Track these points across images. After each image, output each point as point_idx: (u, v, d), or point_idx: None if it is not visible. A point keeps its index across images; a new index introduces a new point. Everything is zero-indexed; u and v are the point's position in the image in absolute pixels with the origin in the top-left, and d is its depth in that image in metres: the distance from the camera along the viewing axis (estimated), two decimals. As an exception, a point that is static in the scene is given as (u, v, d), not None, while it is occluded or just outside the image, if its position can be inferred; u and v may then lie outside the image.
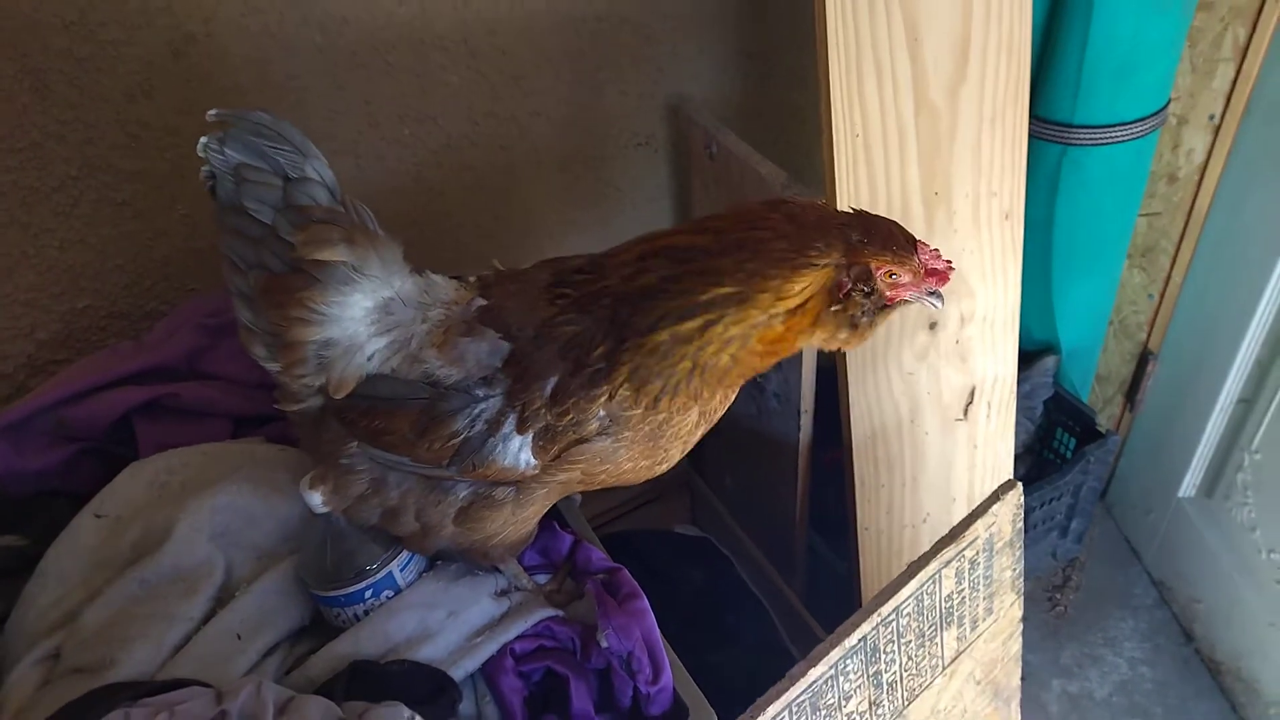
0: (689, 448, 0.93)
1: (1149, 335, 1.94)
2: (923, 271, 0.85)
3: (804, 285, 0.80)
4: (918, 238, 0.87)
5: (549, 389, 0.84)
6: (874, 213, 0.86)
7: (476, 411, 0.85)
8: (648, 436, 0.87)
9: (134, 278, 1.26)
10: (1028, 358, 1.87)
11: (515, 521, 0.92)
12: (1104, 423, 1.87)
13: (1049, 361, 1.87)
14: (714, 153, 1.45)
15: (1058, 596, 2.02)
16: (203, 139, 0.81)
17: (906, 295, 0.87)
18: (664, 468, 0.93)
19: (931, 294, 0.88)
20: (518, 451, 0.85)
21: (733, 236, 0.81)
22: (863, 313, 0.85)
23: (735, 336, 0.81)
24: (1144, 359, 1.97)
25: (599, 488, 0.94)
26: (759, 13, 1.54)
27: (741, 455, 1.78)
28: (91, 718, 0.81)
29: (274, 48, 1.19)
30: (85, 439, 1.12)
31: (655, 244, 0.84)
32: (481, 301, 0.89)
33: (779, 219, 0.81)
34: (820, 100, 1.22)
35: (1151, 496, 2.04)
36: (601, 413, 0.84)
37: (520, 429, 0.84)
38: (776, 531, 1.73)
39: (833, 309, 0.83)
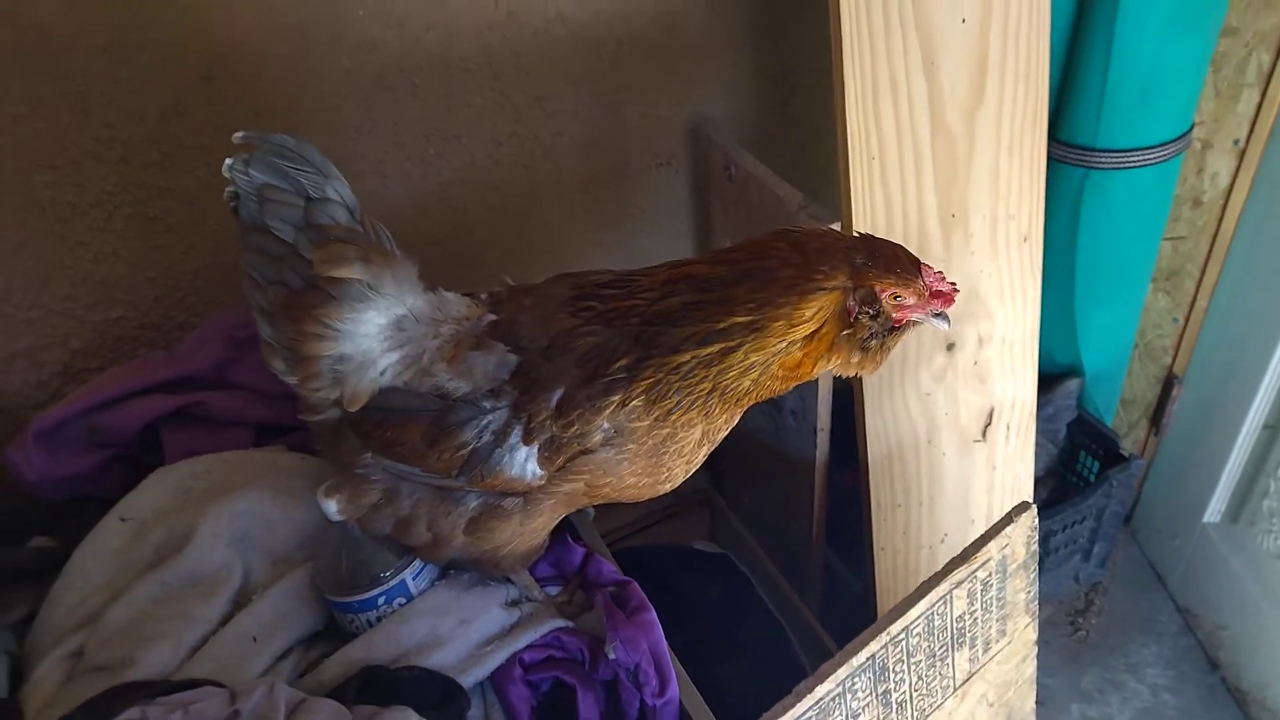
0: (693, 467, 0.95)
1: (1174, 359, 1.93)
2: (927, 294, 0.86)
3: (815, 310, 0.82)
4: (924, 260, 0.88)
5: (555, 400, 0.86)
6: (879, 236, 0.88)
7: (484, 423, 0.87)
8: (650, 451, 0.88)
9: (165, 290, 1.30)
10: (1051, 381, 1.86)
11: (524, 532, 0.94)
12: (1128, 447, 1.86)
13: (1072, 384, 1.86)
14: (733, 174, 1.47)
15: (1080, 621, 2.00)
16: (228, 160, 0.84)
17: (913, 316, 0.88)
18: (667, 486, 0.94)
19: (938, 315, 0.89)
20: (524, 462, 0.87)
21: (744, 267, 0.84)
22: (871, 335, 0.87)
23: (756, 363, 0.84)
24: (1169, 383, 1.95)
25: (604, 501, 0.96)
26: (778, 37, 1.56)
27: (759, 473, 1.79)
28: (110, 714, 0.84)
29: (303, 70, 1.23)
30: (116, 445, 1.15)
31: (679, 271, 0.87)
32: (491, 317, 0.91)
33: (785, 248, 0.84)
34: (836, 122, 1.23)
35: (1176, 522, 2.01)
36: (606, 424, 0.86)
37: (526, 440, 0.87)
38: (793, 548, 1.74)
39: (844, 333, 0.85)
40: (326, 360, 0.88)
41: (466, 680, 0.95)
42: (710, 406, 0.87)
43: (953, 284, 0.88)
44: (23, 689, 0.95)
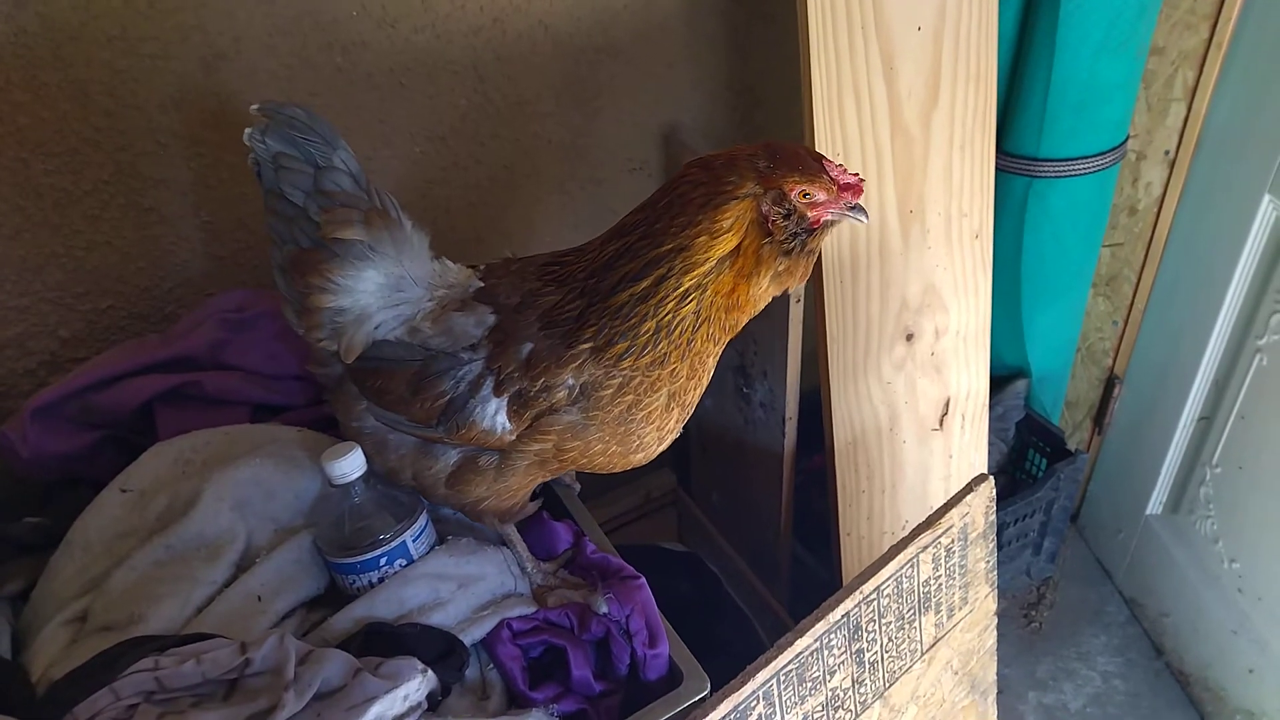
0: (665, 435, 0.98)
1: (1114, 360, 2.04)
2: (835, 187, 0.88)
3: (731, 219, 0.86)
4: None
5: (524, 353, 0.92)
6: (782, 140, 0.91)
7: (461, 373, 0.93)
8: (618, 419, 0.93)
9: (154, 280, 1.33)
10: (1000, 382, 1.96)
11: (498, 489, 1.00)
12: (1074, 444, 1.96)
13: (1020, 385, 1.96)
14: (704, 176, 1.54)
15: (1033, 613, 2.08)
16: (248, 130, 0.91)
17: (828, 214, 0.90)
18: (639, 456, 0.98)
19: (852, 208, 0.90)
20: (494, 414, 0.93)
21: (662, 203, 0.89)
22: (791, 236, 0.89)
23: (690, 289, 0.87)
24: (1110, 383, 2.06)
25: (576, 468, 1.00)
26: (746, 50, 1.65)
27: (729, 468, 1.85)
28: (122, 666, 0.86)
29: (298, 67, 1.27)
30: (108, 426, 1.17)
31: (614, 226, 0.94)
32: (479, 283, 0.99)
33: (695, 171, 0.89)
34: (804, 123, 1.32)
35: (1121, 516, 2.12)
36: (570, 380, 0.91)
37: (497, 392, 0.92)
38: (762, 543, 1.79)
39: (765, 242, 0.88)
40: (327, 312, 0.95)
41: (464, 640, 0.99)
42: (663, 351, 0.90)
43: (857, 175, 0.90)
44: (23, 655, 0.96)
